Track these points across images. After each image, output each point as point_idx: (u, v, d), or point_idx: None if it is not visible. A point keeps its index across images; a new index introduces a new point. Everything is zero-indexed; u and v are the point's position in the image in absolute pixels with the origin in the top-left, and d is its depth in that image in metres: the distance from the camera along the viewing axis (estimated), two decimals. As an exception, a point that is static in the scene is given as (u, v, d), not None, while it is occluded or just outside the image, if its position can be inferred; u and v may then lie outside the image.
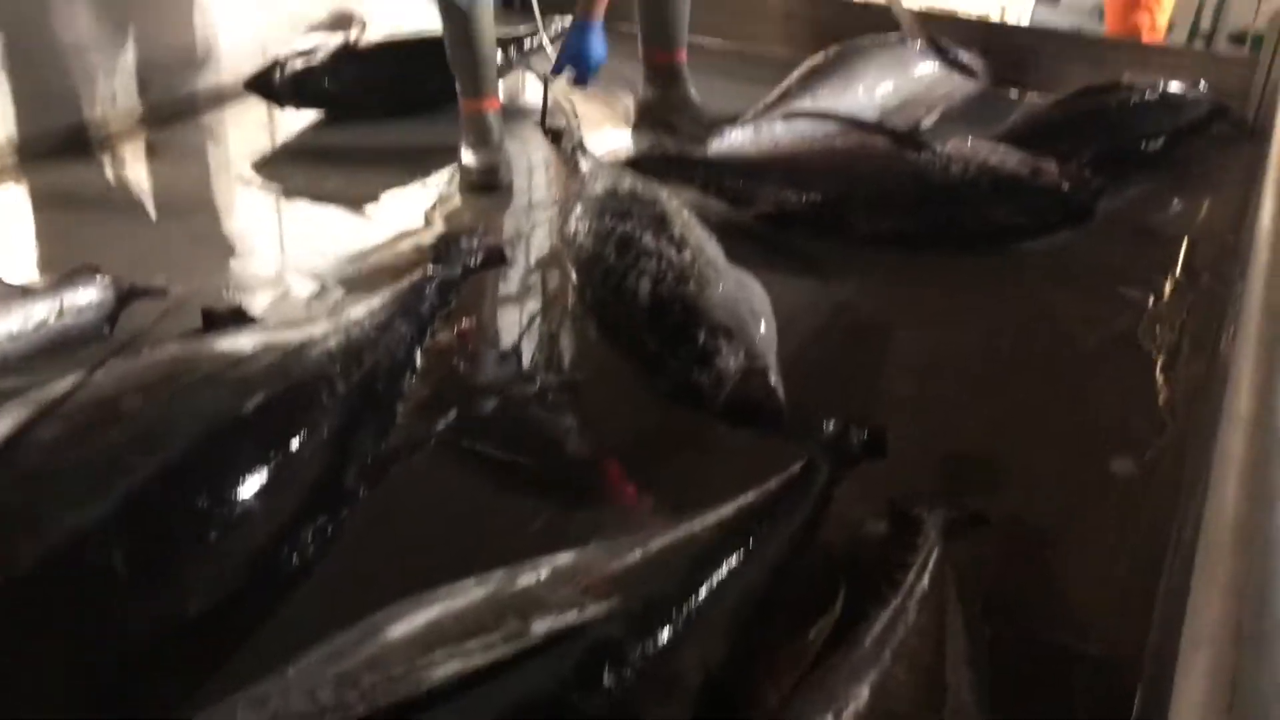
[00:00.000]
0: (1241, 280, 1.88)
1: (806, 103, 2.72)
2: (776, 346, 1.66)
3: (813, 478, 1.31)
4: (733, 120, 2.68)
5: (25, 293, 1.73)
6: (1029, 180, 2.30)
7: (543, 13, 3.13)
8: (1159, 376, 1.88)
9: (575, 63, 2.63)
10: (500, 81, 2.76)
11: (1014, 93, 3.24)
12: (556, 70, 2.66)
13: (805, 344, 1.89)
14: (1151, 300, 2.12)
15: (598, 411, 1.72)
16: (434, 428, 1.60)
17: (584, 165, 2.31)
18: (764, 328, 1.69)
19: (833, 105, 2.70)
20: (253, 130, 2.88)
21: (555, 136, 2.59)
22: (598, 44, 2.63)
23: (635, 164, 2.37)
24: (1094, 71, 3.12)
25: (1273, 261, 1.63)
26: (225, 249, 2.33)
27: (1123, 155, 2.69)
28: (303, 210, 2.51)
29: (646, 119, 2.92)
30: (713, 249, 1.88)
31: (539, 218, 2.44)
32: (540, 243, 2.33)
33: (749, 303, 1.73)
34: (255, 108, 2.91)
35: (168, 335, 1.56)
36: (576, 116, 2.60)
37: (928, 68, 3.04)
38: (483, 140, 2.57)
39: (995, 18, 5.73)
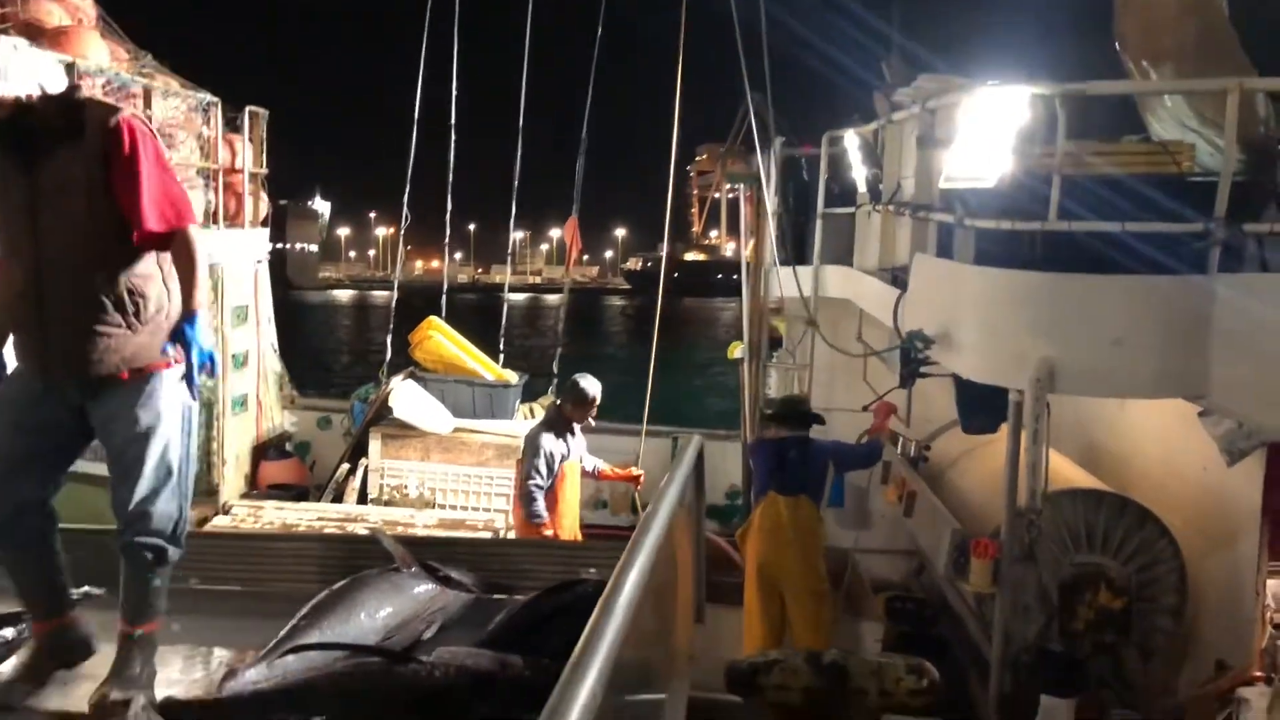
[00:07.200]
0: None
1: (315, 635, 3.09)
2: None
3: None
4: (246, 660, 2.97)
5: None
6: (500, 674, 2.80)
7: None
8: None
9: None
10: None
11: (500, 596, 3.84)
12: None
13: None
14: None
15: None
16: None
17: None
18: None
19: (340, 633, 3.09)
20: None
21: None
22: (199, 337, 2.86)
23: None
24: (566, 569, 3.85)
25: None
26: None
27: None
28: None
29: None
30: None
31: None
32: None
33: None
34: None
35: None
36: None
37: (424, 587, 3.57)
38: None
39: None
